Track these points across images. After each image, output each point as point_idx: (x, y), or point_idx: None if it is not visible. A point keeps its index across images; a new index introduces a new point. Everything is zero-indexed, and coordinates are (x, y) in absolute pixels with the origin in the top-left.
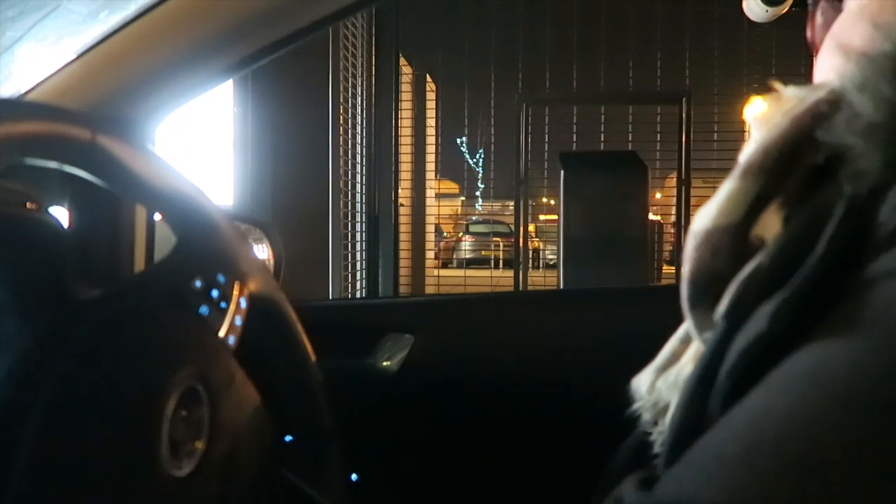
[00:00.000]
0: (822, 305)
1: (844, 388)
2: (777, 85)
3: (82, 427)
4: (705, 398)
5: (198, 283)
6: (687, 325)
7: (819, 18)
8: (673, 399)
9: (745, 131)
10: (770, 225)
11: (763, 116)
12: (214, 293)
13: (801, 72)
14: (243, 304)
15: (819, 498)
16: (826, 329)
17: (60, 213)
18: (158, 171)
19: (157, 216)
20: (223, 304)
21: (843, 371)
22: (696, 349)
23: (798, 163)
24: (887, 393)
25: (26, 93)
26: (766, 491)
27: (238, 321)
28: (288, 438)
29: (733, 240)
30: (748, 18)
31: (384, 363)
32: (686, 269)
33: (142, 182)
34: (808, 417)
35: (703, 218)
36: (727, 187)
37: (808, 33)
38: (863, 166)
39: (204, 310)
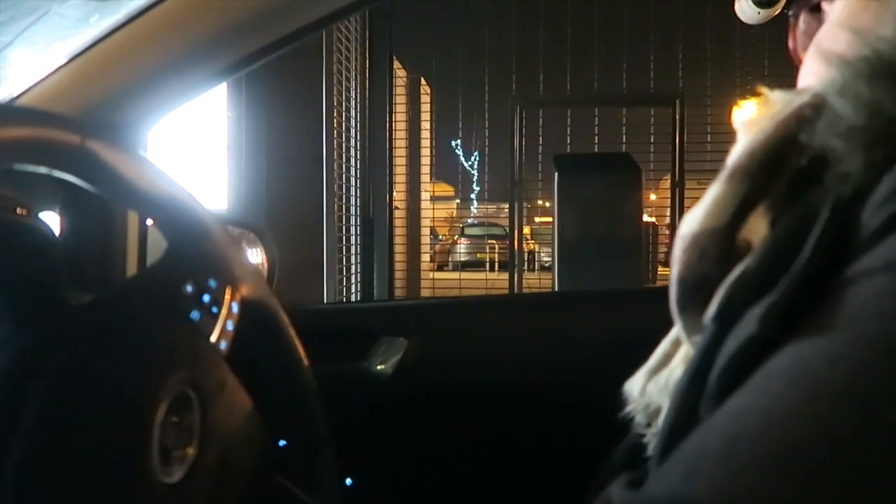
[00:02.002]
0: (810, 307)
1: (820, 385)
2: (764, 89)
3: (72, 433)
4: (696, 401)
5: (189, 288)
6: (676, 328)
7: (801, 28)
8: (664, 402)
9: (737, 132)
10: (757, 228)
11: (750, 120)
12: (206, 298)
13: (792, 73)
14: (235, 308)
15: (796, 492)
16: (805, 328)
17: (51, 219)
18: (149, 176)
19: (149, 221)
20: (214, 309)
21: (819, 368)
22: (685, 352)
23: (783, 166)
24: (861, 388)
25: (17, 97)
26: (745, 486)
27: (230, 326)
28: (281, 443)
29: (720, 243)
30: (740, 20)
31: (378, 367)
32: (674, 273)
33: (132, 187)
34: (784, 413)
35: (691, 221)
36: (714, 191)
37: (791, 43)
38: (846, 169)
39: (195, 315)
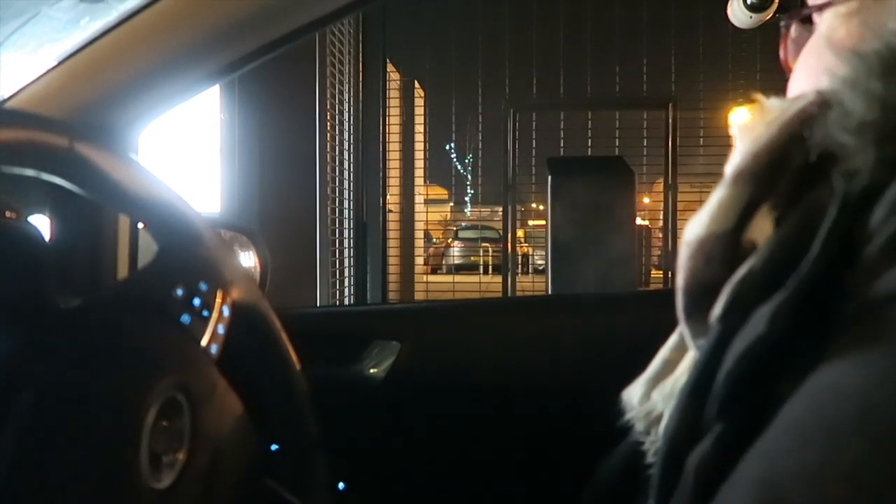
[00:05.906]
0: (821, 307)
1: None
2: (759, 96)
3: (60, 438)
4: (701, 403)
5: (179, 292)
6: (678, 334)
7: (791, 38)
8: (668, 409)
9: (731, 136)
10: (761, 228)
11: (747, 126)
12: (196, 302)
13: (784, 77)
14: (226, 312)
15: None
16: (860, 359)
17: (41, 222)
18: (138, 179)
19: (140, 224)
20: (205, 313)
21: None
22: (691, 359)
23: (788, 165)
24: None
25: (6, 100)
26: None
27: (220, 330)
28: (273, 448)
29: (726, 246)
30: (733, 24)
31: (371, 371)
32: (680, 279)
33: (121, 190)
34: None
35: (696, 226)
36: (718, 195)
37: (782, 53)
38: (855, 165)
39: (185, 319)
